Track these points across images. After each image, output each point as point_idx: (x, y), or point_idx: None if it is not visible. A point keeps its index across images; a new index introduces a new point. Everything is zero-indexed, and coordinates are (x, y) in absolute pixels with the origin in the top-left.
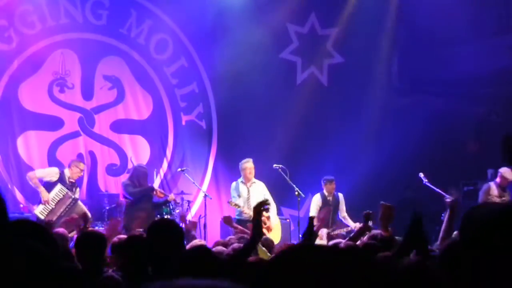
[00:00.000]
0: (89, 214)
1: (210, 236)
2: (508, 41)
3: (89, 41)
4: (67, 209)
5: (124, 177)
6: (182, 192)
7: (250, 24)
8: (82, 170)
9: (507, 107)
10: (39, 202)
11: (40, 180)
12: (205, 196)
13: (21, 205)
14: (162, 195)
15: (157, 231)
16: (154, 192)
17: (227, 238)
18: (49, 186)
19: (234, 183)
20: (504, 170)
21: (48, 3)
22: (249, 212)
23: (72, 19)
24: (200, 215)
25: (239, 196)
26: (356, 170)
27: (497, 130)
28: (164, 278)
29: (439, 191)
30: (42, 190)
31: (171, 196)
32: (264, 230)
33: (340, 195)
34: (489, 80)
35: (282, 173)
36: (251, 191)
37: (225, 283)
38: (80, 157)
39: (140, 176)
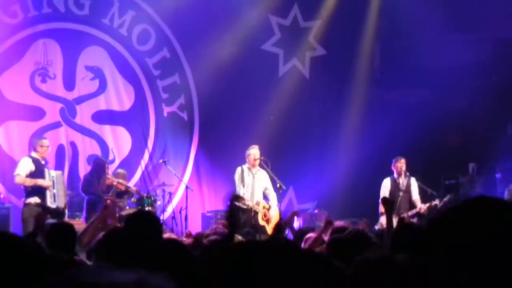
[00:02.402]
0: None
1: (191, 228)
2: (489, 34)
3: (71, 31)
4: (64, 186)
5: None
6: (164, 184)
7: (232, 15)
8: (48, 146)
9: (488, 100)
10: (26, 194)
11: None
12: (187, 187)
13: (1, 196)
14: (123, 187)
15: (135, 222)
16: (116, 184)
17: (208, 230)
18: (32, 176)
19: (239, 169)
20: None
21: None
22: (251, 203)
23: (54, 9)
24: (181, 207)
25: (242, 185)
26: (339, 163)
27: (479, 124)
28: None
29: (420, 184)
30: (40, 181)
31: (133, 188)
32: (263, 222)
33: (412, 179)
34: (470, 73)
35: (264, 165)
36: (256, 178)
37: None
38: (38, 136)
39: (99, 169)
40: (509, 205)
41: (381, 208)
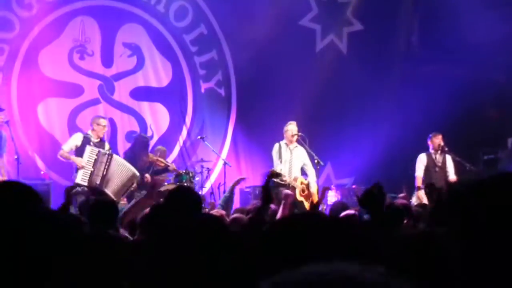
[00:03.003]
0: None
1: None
2: None
3: (109, 8)
4: (106, 167)
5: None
6: (202, 160)
7: None
8: (104, 126)
9: None
10: (75, 170)
11: (71, 153)
12: (225, 163)
13: (42, 172)
14: (162, 164)
15: (176, 198)
16: (155, 162)
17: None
18: (78, 152)
19: (276, 145)
20: None
21: None
22: (289, 179)
23: None
24: (220, 183)
25: (280, 161)
26: (376, 139)
27: None
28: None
29: (459, 159)
30: (74, 158)
31: (172, 166)
32: (301, 198)
33: (448, 156)
34: (508, 47)
35: (301, 141)
36: (294, 154)
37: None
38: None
39: (140, 146)
40: None
41: (417, 182)
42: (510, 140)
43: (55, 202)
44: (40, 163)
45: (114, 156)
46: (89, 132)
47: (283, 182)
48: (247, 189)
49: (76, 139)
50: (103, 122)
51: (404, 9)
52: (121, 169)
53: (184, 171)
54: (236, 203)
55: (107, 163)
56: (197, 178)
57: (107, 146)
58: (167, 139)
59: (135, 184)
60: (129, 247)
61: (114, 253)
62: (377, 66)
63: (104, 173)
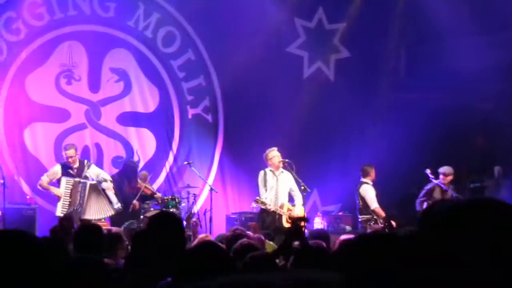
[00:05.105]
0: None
1: (216, 229)
2: None
3: (97, 33)
4: (82, 195)
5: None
6: (188, 185)
7: (257, 18)
8: (71, 156)
9: None
10: (58, 199)
11: (53, 183)
12: (211, 189)
13: (28, 197)
14: (149, 191)
15: (158, 223)
16: (142, 188)
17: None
18: (58, 183)
19: (262, 172)
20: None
21: None
22: (274, 207)
23: (80, 11)
24: (206, 209)
25: (265, 189)
26: (363, 164)
27: (504, 126)
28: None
29: (445, 187)
30: (52, 189)
31: (158, 194)
32: (288, 224)
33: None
34: (496, 75)
35: (289, 167)
36: (280, 180)
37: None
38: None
39: (129, 172)
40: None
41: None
42: (497, 168)
43: (41, 226)
44: (26, 188)
45: (88, 182)
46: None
47: (268, 210)
48: (233, 215)
49: (56, 172)
50: (69, 153)
51: (391, 36)
52: (97, 192)
53: (170, 197)
54: (222, 229)
55: (82, 192)
56: (183, 204)
57: (94, 169)
58: (154, 165)
59: (107, 184)
60: (112, 272)
61: (96, 279)
62: (364, 93)
63: (81, 201)
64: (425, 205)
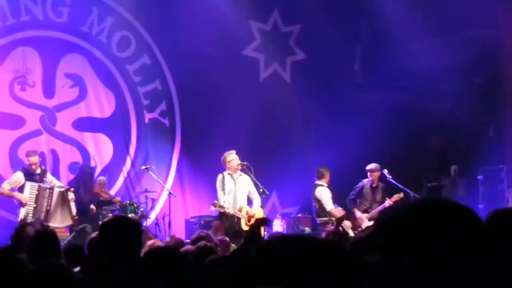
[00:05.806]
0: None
1: (175, 234)
2: (471, 35)
3: (50, 38)
4: (49, 200)
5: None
6: (146, 190)
7: (213, 21)
8: (35, 163)
9: (470, 102)
10: (19, 205)
11: (14, 190)
12: (169, 194)
13: None
14: (107, 196)
15: (112, 229)
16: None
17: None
18: (21, 189)
19: (220, 176)
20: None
21: (8, 0)
22: (233, 210)
23: (32, 16)
24: (165, 213)
25: (224, 192)
26: (322, 166)
27: (461, 126)
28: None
29: (403, 187)
30: (16, 195)
31: (116, 199)
32: (247, 228)
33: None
34: (452, 75)
35: (247, 170)
36: (238, 183)
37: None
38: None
39: (86, 178)
40: (460, 208)
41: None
42: (453, 167)
43: (0, 237)
44: None
45: (57, 189)
46: (27, 166)
47: (227, 213)
48: (192, 219)
49: (18, 179)
50: (33, 160)
51: (347, 37)
52: (63, 200)
53: (128, 202)
54: (181, 233)
55: (50, 197)
56: (141, 209)
57: (49, 176)
58: (111, 170)
59: (72, 195)
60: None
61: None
62: (320, 95)
63: (48, 207)
64: (357, 202)
